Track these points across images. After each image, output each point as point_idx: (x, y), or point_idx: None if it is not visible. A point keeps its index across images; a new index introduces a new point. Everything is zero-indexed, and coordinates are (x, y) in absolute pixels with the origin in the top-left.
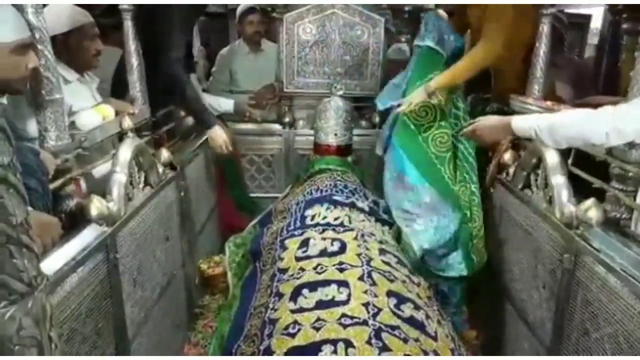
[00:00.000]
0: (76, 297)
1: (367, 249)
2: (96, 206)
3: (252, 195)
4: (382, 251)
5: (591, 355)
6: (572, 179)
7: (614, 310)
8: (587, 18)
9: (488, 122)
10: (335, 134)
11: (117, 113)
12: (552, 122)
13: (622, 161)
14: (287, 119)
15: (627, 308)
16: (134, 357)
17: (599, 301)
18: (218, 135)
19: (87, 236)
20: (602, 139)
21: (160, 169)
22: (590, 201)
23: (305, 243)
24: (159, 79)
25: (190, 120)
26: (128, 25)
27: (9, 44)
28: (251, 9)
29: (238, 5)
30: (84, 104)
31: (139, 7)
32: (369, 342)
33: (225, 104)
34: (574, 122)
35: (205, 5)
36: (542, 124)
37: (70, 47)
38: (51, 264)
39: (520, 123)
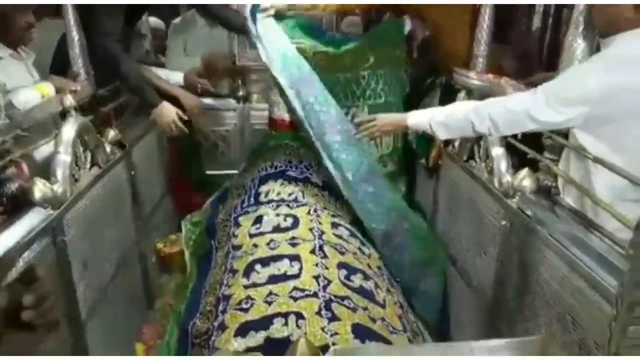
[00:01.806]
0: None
1: (320, 222)
2: (39, 189)
3: (208, 172)
4: (334, 225)
5: (526, 317)
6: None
7: (543, 272)
8: None
9: (385, 119)
10: None
11: (58, 91)
12: (444, 118)
13: (551, 132)
14: (241, 93)
15: (554, 270)
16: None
17: (531, 265)
18: (164, 113)
19: (32, 220)
20: (485, 130)
21: (108, 148)
22: (524, 171)
23: (259, 220)
24: (94, 56)
25: None
26: None
27: None
28: None
29: None
30: (20, 82)
31: None
32: (318, 313)
33: (174, 76)
34: (462, 116)
35: None
36: (436, 119)
37: None
38: None
39: (415, 120)
